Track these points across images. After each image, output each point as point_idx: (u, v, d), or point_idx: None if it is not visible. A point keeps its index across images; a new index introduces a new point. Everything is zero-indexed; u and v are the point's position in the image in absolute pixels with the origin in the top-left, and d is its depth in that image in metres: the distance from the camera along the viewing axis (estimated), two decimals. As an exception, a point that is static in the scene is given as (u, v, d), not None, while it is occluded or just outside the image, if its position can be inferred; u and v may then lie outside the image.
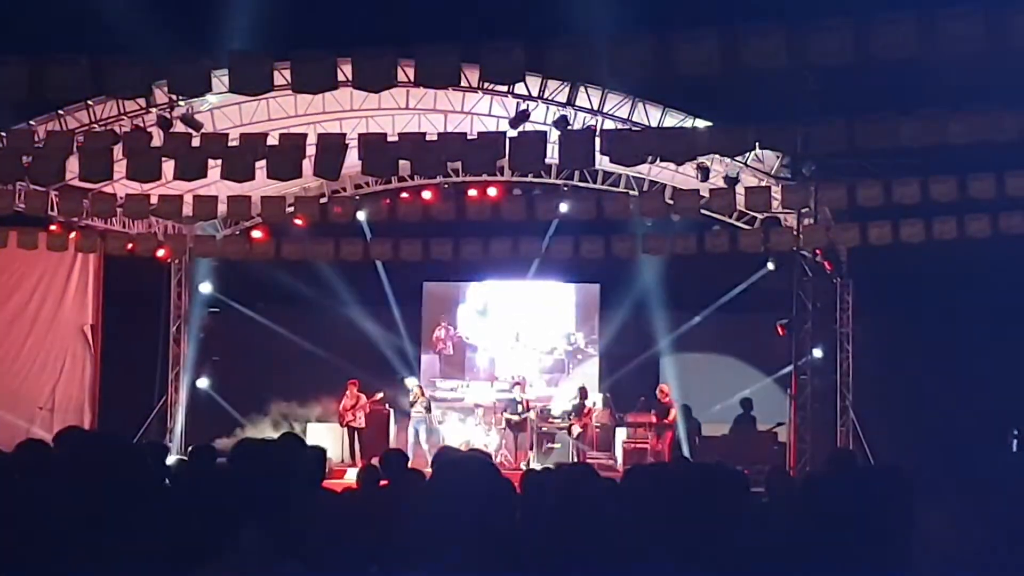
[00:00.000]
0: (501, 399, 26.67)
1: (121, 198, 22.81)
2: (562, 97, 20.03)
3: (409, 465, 10.68)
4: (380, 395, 26.22)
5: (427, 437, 25.08)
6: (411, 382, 26.60)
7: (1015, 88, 17.25)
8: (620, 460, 24.45)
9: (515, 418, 25.46)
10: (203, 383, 27.71)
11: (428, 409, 25.67)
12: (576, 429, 25.23)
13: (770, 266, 25.11)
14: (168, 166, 18.93)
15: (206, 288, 27.78)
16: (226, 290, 28.20)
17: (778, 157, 21.82)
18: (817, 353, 23.60)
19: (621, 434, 25.48)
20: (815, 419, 23.28)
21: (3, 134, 19.74)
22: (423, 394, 25.85)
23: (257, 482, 5.02)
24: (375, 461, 13.83)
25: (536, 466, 22.84)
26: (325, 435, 24.55)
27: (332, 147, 18.53)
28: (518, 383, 26.44)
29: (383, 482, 9.95)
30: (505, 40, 15.42)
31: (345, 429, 25.57)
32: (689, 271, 25.69)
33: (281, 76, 16.87)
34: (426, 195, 25.60)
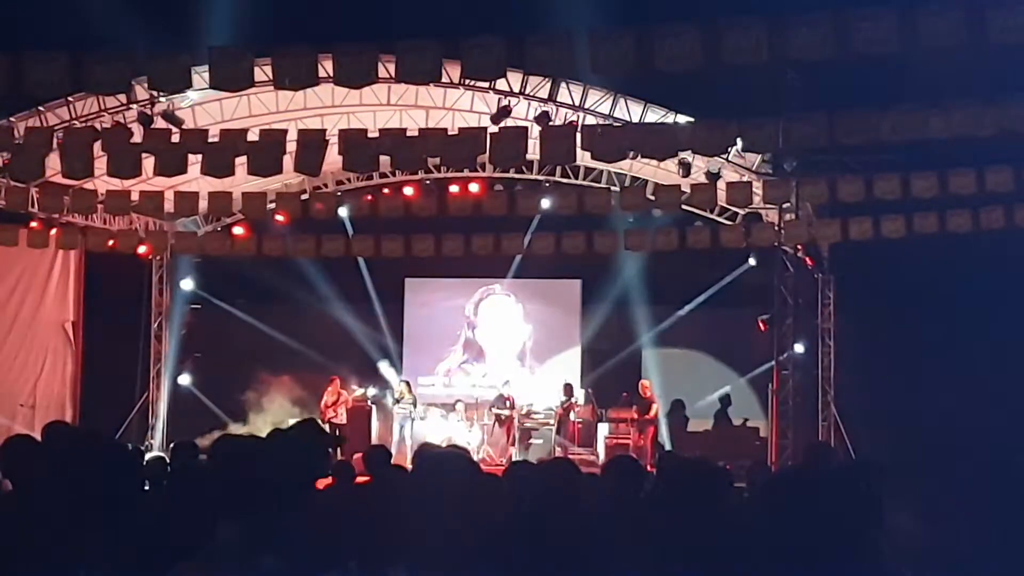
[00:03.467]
0: (487, 395, 26.67)
1: (102, 194, 22.74)
2: (543, 93, 20.04)
3: (393, 462, 10.66)
4: (368, 390, 26.29)
5: (411, 434, 25.06)
6: (396, 380, 26.68)
7: (995, 83, 17.30)
8: (602, 456, 24.45)
9: (503, 414, 25.48)
10: (185, 380, 27.68)
11: (414, 405, 25.67)
12: (560, 425, 25.24)
13: (751, 261, 25.20)
14: (149, 162, 18.90)
15: (187, 285, 27.75)
16: (207, 287, 28.18)
17: (759, 153, 21.86)
18: (798, 348, 23.65)
19: (603, 430, 25.51)
20: (796, 414, 23.32)
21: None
22: (409, 391, 25.84)
23: (237, 478, 5.01)
24: (356, 457, 13.85)
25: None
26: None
27: (313, 143, 18.51)
28: (507, 380, 26.47)
29: (362, 478, 9.95)
30: (486, 36, 15.39)
31: (326, 426, 25.55)
32: (671, 266, 25.71)
33: (262, 72, 16.86)
34: (407, 191, 25.62)
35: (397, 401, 25.76)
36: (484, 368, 28.99)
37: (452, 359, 29.21)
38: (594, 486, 6.64)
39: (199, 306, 28.33)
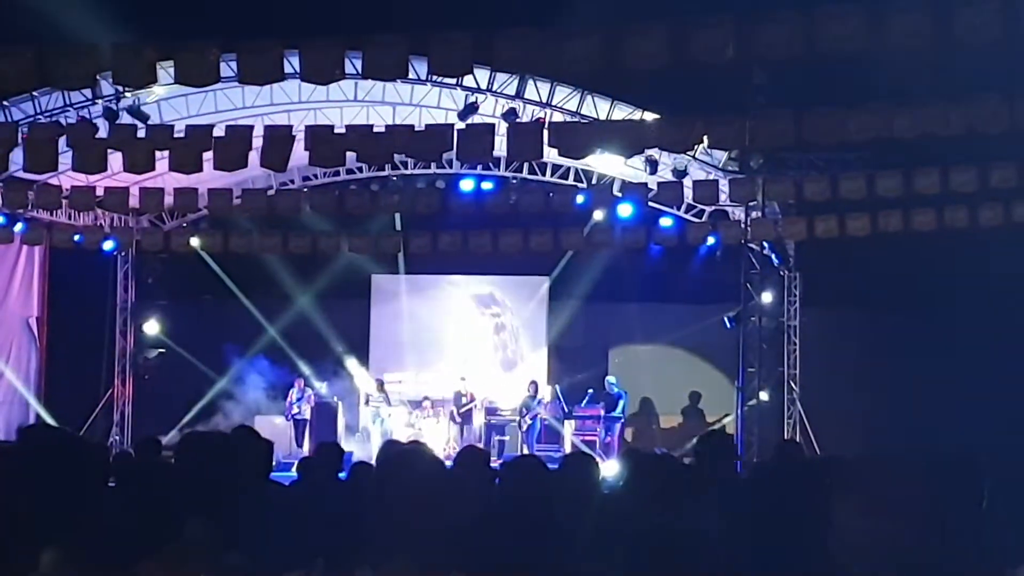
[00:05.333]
0: (447, 393, 26.68)
1: (67, 190, 22.64)
2: (511, 90, 20.04)
3: (362, 458, 10.62)
4: (323, 385, 26.28)
5: (381, 431, 25.03)
6: (365, 377, 26.71)
7: (960, 83, 17.37)
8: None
9: (458, 411, 25.51)
10: (150, 376, 27.59)
11: (387, 403, 25.67)
12: (526, 422, 25.23)
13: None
14: (114, 158, 18.81)
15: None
16: (172, 282, 28.08)
17: (726, 150, 21.92)
18: (764, 345, 23.73)
19: (570, 427, 25.53)
20: (762, 411, 23.40)
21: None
22: (381, 388, 25.84)
23: (202, 475, 4.99)
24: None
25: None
26: (271, 427, 24.47)
27: (279, 139, 18.45)
28: (463, 377, 26.48)
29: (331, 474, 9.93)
30: (453, 32, 15.38)
31: (291, 422, 25.53)
32: (637, 264, 25.75)
33: (228, 68, 16.79)
34: (375, 188, 25.59)
35: (368, 398, 25.80)
36: (442, 366, 28.93)
37: (408, 360, 29.16)
38: (560, 482, 6.64)
39: (164, 302, 28.23)
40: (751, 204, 22.62)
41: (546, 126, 18.95)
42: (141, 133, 18.92)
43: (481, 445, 24.92)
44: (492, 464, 6.61)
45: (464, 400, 25.63)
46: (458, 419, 25.55)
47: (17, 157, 19.00)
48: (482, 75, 19.37)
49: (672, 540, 5.24)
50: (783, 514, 5.10)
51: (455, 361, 28.68)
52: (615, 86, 20.41)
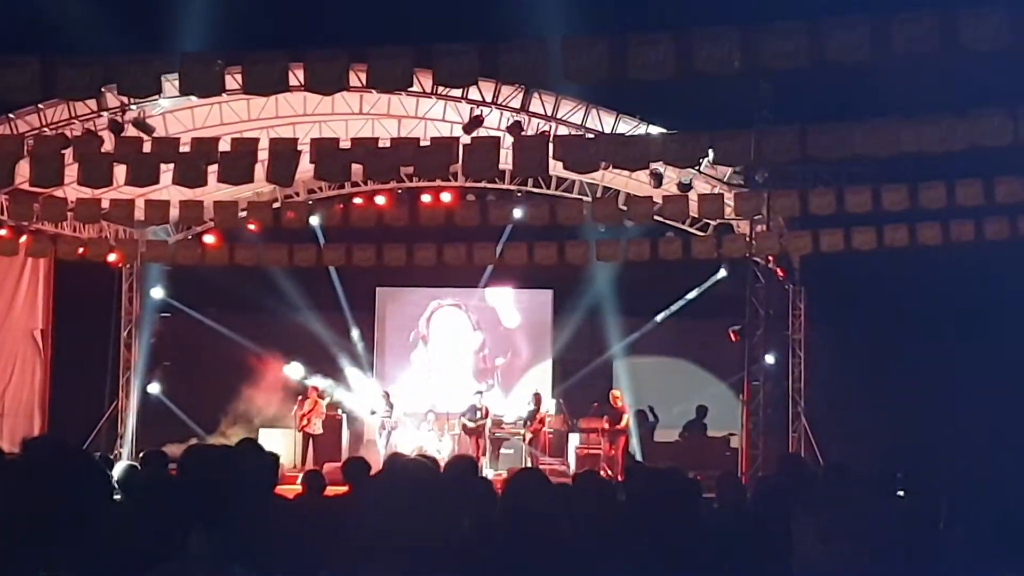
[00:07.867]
0: (458, 406, 26.59)
1: (72, 202, 22.63)
2: (516, 103, 20.00)
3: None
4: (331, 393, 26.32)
5: (387, 444, 24.96)
6: (373, 389, 26.70)
7: (965, 97, 17.36)
8: (573, 466, 24.44)
9: (472, 424, 25.40)
10: (154, 388, 27.56)
11: (393, 415, 25.63)
12: (530, 435, 25.16)
13: (723, 272, 25.25)
14: (120, 170, 18.78)
15: (157, 293, 27.66)
16: (178, 295, 28.06)
17: (731, 165, 21.87)
18: (769, 359, 23.65)
19: (574, 440, 25.49)
20: (767, 425, 23.34)
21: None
22: (387, 401, 25.81)
23: (207, 488, 4.97)
24: (326, 467, 13.78)
25: (488, 472, 22.82)
26: (276, 440, 24.42)
27: (285, 153, 18.46)
28: (480, 391, 26.42)
29: (332, 488, 9.91)
30: (458, 44, 15.38)
31: (300, 434, 25.44)
32: (642, 277, 25.70)
33: (233, 80, 16.79)
34: (379, 200, 25.57)
35: (373, 412, 25.79)
36: (439, 381, 28.90)
37: (409, 373, 29.16)
38: (564, 496, 6.62)
39: (169, 314, 28.21)
40: (756, 218, 22.57)
41: (551, 139, 18.93)
42: (147, 146, 18.90)
43: (485, 458, 24.89)
44: (482, 474, 6.61)
45: (479, 415, 25.48)
46: (469, 432, 25.38)
47: (23, 169, 19.00)
48: (487, 88, 19.34)
49: (677, 554, 5.21)
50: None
51: (442, 376, 28.70)
52: (620, 98, 20.39)
